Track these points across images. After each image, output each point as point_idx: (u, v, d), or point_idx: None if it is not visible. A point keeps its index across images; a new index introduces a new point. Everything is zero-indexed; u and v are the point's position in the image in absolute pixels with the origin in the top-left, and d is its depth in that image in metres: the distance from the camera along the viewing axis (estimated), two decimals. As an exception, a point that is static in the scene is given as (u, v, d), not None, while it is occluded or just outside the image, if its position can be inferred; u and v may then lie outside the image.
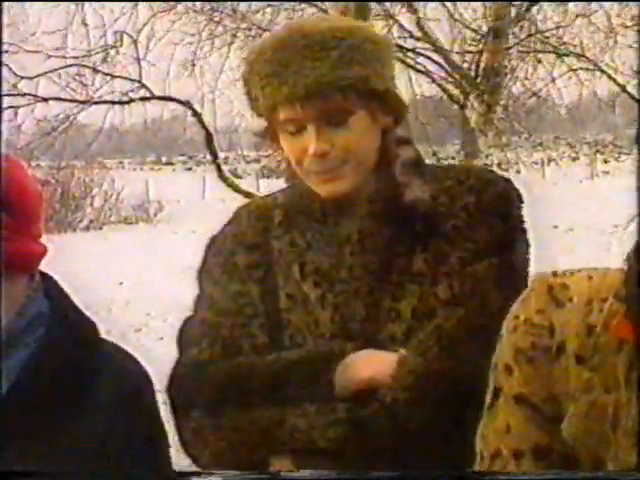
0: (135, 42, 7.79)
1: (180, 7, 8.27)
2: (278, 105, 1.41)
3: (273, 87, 1.40)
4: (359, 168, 1.43)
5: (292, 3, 8.13)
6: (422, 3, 8.02)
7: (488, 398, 1.13)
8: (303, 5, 8.12)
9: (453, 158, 9.87)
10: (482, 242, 1.41)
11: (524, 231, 1.47)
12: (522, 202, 1.47)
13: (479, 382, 1.18)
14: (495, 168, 9.25)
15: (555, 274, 1.12)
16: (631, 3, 7.86)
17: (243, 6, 8.41)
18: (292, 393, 1.38)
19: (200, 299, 1.52)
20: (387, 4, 7.91)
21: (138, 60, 7.60)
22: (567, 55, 8.53)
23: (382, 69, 1.44)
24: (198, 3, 8.26)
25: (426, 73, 8.30)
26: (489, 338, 1.23)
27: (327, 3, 7.00)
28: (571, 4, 8.33)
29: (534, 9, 8.24)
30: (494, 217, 1.43)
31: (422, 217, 1.43)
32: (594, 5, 8.38)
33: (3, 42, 6.67)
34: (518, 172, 10.91)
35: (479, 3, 8.12)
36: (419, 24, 7.75)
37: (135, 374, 1.30)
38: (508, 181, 1.49)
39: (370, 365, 1.38)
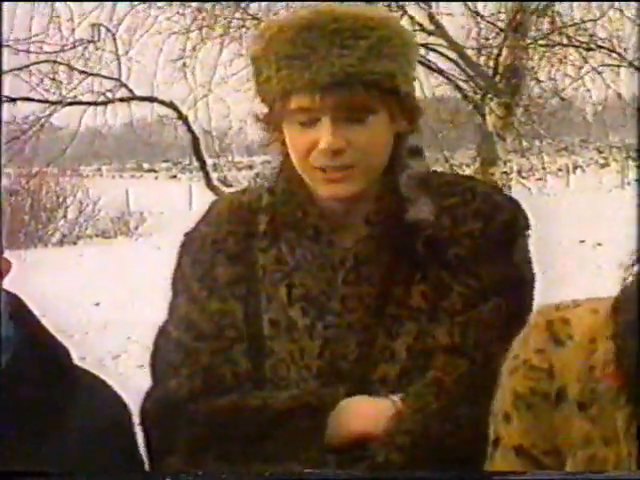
0: (114, 36, 7.80)
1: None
2: (294, 91, 1.40)
3: (293, 70, 1.40)
4: (368, 173, 1.44)
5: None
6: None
7: (489, 449, 1.14)
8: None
9: (468, 165, 9.88)
10: (487, 278, 1.41)
11: (530, 262, 1.48)
12: (529, 228, 1.48)
13: (480, 447, 1.18)
14: (515, 175, 9.26)
15: (558, 307, 1.12)
16: (632, 3, 7.89)
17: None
18: (279, 448, 1.37)
19: (176, 313, 1.51)
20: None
21: (117, 56, 7.62)
22: (594, 50, 8.55)
23: (407, 67, 1.46)
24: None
25: (438, 71, 8.31)
26: (493, 397, 1.23)
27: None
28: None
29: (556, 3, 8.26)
30: (500, 249, 1.43)
31: (424, 240, 1.43)
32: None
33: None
34: (540, 179, 10.92)
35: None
36: (431, 16, 7.77)
37: (112, 405, 1.30)
38: (515, 205, 1.49)
39: (363, 417, 1.38)
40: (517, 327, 1.31)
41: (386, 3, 7.59)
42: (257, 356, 1.45)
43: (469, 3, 8.22)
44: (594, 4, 8.39)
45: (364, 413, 1.38)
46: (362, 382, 1.40)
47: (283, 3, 8.06)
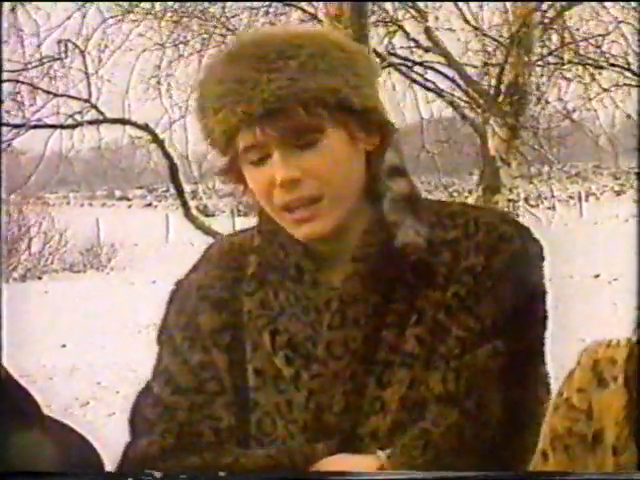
0: (83, 53, 7.83)
1: (138, 11, 8.33)
2: (235, 131, 1.41)
3: (227, 110, 1.40)
4: (339, 203, 1.42)
5: (274, 6, 8.22)
6: (431, 6, 8.11)
7: None
8: (287, 9, 8.22)
9: (470, 192, 9.92)
10: (488, 319, 1.39)
11: (542, 297, 1.45)
12: (543, 259, 1.46)
13: None
14: (522, 204, 9.30)
15: (608, 345, 1.14)
16: (633, 3, 7.97)
17: (215, 9, 8.49)
18: None
19: (158, 367, 1.53)
20: (389, 7, 8.00)
21: (87, 75, 7.63)
22: (605, 68, 8.61)
23: (357, 80, 1.43)
24: (159, 5, 8.33)
25: (436, 91, 8.37)
26: (485, 449, 1.24)
27: (318, 5, 7.08)
28: (610, 9, 8.42)
29: (566, 14, 8.34)
30: (506, 285, 1.41)
31: (414, 267, 1.42)
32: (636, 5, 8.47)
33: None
34: (550, 209, 10.96)
35: (500, 7, 8.22)
36: (428, 32, 7.83)
37: (81, 453, 1.31)
38: (526, 234, 1.47)
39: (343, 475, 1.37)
40: (520, 371, 1.32)
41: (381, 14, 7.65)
42: (242, 410, 1.46)
43: (469, 17, 8.28)
44: (605, 18, 8.46)
45: (346, 469, 1.37)
46: (350, 437, 1.40)
47: (266, 19, 8.12)
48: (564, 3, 8.23)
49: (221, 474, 1.41)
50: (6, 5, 8.29)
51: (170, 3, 8.33)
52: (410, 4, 7.98)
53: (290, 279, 1.46)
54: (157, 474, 1.37)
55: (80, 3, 8.10)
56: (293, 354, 1.43)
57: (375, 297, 1.42)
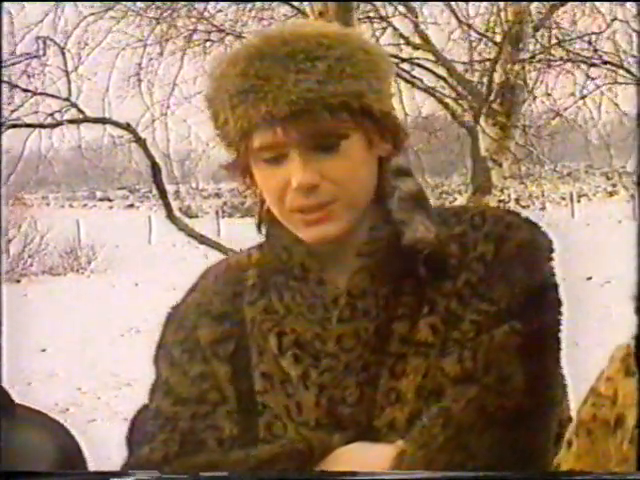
0: (63, 51, 7.81)
1: (118, 8, 8.32)
2: (253, 128, 1.40)
3: (248, 105, 1.40)
4: (352, 206, 1.44)
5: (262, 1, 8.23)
6: (422, 5, 8.13)
7: None
8: (274, 4, 8.22)
9: (459, 192, 9.94)
10: (502, 302, 1.41)
11: (555, 287, 1.47)
12: (553, 251, 1.48)
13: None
14: (513, 205, 9.33)
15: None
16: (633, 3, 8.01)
17: (200, 5, 8.49)
18: None
19: (156, 386, 1.53)
20: (378, 3, 8.01)
21: (67, 73, 7.62)
22: (598, 66, 8.65)
23: (378, 84, 1.45)
24: (140, 3, 8.32)
25: (425, 89, 8.38)
26: (508, 422, 1.24)
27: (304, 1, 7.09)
28: (604, 6, 8.46)
29: (559, 11, 8.37)
30: (517, 271, 1.43)
31: (426, 261, 1.44)
32: (630, 6, 8.52)
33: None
34: (542, 209, 11.01)
35: (492, 4, 8.24)
36: (417, 29, 7.85)
37: (59, 439, 1.31)
38: (535, 226, 1.49)
39: (359, 464, 1.37)
40: (539, 350, 1.34)
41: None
42: (249, 416, 1.46)
43: (460, 15, 8.31)
44: (598, 15, 8.49)
45: (363, 459, 1.38)
46: (367, 429, 1.40)
47: (252, 14, 8.12)
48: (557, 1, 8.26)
49: (223, 474, 1.41)
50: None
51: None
52: (399, 1, 7.99)
53: (295, 279, 1.47)
54: (158, 474, 1.38)
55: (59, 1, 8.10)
56: (301, 352, 1.44)
57: (384, 290, 1.43)
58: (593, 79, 8.78)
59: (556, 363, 1.45)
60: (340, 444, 1.40)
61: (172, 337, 1.54)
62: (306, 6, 6.50)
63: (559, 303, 1.47)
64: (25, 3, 8.10)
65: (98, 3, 8.28)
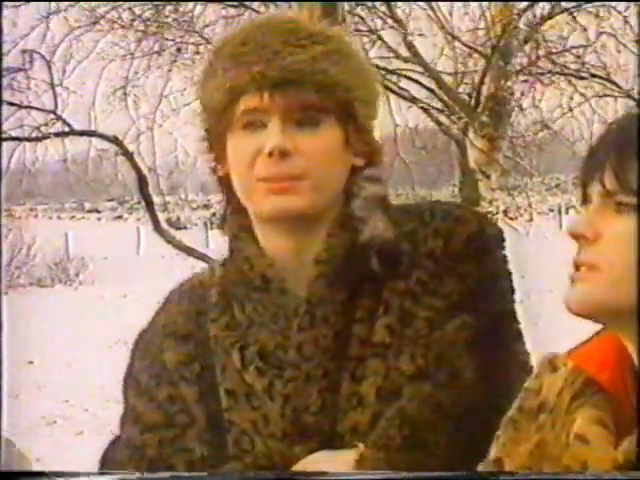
0: (49, 64, 7.79)
1: (104, 21, 8.32)
2: (243, 90, 1.43)
3: (241, 67, 1.43)
4: (318, 189, 1.45)
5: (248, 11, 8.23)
6: (410, 18, 8.14)
7: None
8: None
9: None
10: (453, 296, 1.43)
11: (507, 276, 1.50)
12: (503, 240, 1.50)
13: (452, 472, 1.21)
14: (501, 216, 9.34)
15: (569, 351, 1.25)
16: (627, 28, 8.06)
17: (188, 17, 8.49)
18: None
19: (124, 417, 1.54)
20: (364, 13, 8.03)
21: (53, 87, 7.60)
22: (586, 78, 8.68)
23: (369, 95, 1.50)
24: (126, 14, 8.31)
25: (413, 100, 8.40)
26: (462, 417, 1.27)
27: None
28: (592, 23, 8.49)
29: (547, 24, 8.39)
30: (466, 263, 1.45)
31: (380, 257, 1.45)
32: (618, 22, 8.56)
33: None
34: (530, 221, 11.02)
35: (480, 17, 8.25)
36: (406, 41, 7.87)
37: None
38: (483, 218, 1.54)
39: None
40: (491, 341, 1.37)
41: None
42: (215, 436, 1.47)
43: (448, 27, 8.32)
44: (587, 29, 8.52)
45: (325, 467, 1.38)
46: (330, 435, 1.42)
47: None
48: (544, 13, 8.29)
49: (202, 474, 1.42)
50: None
51: (138, 11, 8.32)
52: (388, 13, 8.01)
53: (256, 290, 1.48)
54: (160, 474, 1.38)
55: (45, 12, 8.09)
56: (264, 365, 1.45)
57: (342, 295, 1.45)
58: (582, 94, 8.81)
59: (512, 351, 1.46)
60: (304, 454, 1.41)
61: (139, 364, 1.54)
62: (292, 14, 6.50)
63: (512, 291, 1.49)
64: (13, 16, 8.09)
65: (84, 17, 8.27)
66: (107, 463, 1.52)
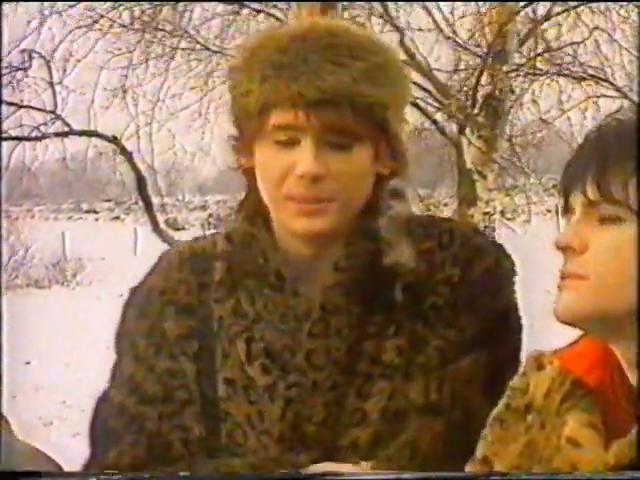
0: (48, 64, 7.79)
1: (104, 21, 8.33)
2: (278, 104, 1.40)
3: (279, 80, 1.40)
4: (345, 209, 1.44)
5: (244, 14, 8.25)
6: (406, 19, 8.15)
7: None
8: (259, 17, 8.24)
9: (445, 205, 9.96)
10: (467, 331, 1.43)
11: (516, 310, 1.50)
12: (515, 274, 1.50)
13: None
14: (498, 217, 9.34)
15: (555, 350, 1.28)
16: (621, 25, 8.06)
17: (184, 21, 8.51)
18: None
19: (119, 374, 1.52)
20: (364, 20, 8.04)
21: (52, 86, 7.59)
22: (584, 79, 8.68)
23: (400, 104, 1.47)
24: (125, 14, 8.32)
25: (412, 102, 8.39)
26: (470, 454, 1.25)
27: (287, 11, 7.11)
28: (588, 19, 8.50)
29: (545, 24, 8.39)
30: (482, 297, 1.45)
31: (402, 287, 1.44)
32: (616, 19, 8.57)
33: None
34: (527, 222, 11.02)
35: (476, 18, 8.26)
36: (402, 42, 7.87)
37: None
38: (499, 249, 1.51)
39: None
40: (501, 380, 1.34)
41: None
42: (211, 420, 1.46)
43: (444, 27, 8.33)
44: (582, 27, 8.53)
45: None
46: (330, 448, 1.41)
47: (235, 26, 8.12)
48: (542, 13, 8.29)
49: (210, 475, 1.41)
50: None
51: (137, 13, 8.33)
52: (387, 18, 8.01)
53: (269, 287, 1.46)
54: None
55: (46, 13, 8.10)
56: (270, 363, 1.44)
57: (357, 308, 1.44)
58: (587, 90, 8.80)
59: None
60: (306, 464, 1.39)
61: (135, 325, 1.52)
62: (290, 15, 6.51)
63: (520, 325, 1.50)
64: (10, 15, 8.09)
65: (84, 16, 8.27)
66: (100, 428, 1.49)
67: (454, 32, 8.38)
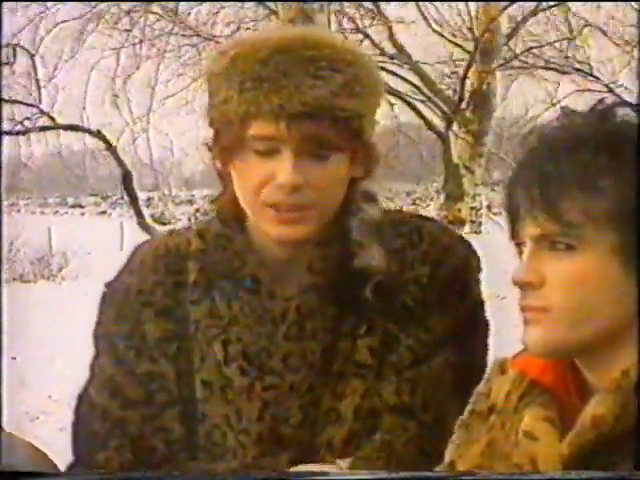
0: (33, 58, 7.77)
1: (93, 14, 8.32)
2: (258, 115, 1.42)
3: (260, 93, 1.42)
4: (322, 216, 1.46)
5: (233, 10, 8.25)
6: (395, 14, 8.16)
7: None
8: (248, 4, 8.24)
9: (432, 199, 9.97)
10: (436, 329, 1.46)
11: (482, 306, 1.52)
12: (481, 271, 1.53)
13: None
14: (485, 211, 9.36)
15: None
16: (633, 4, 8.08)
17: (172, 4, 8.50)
18: None
19: (99, 375, 1.53)
20: (356, 15, 8.04)
21: (37, 80, 7.58)
22: (570, 73, 8.71)
23: (374, 109, 1.50)
24: (113, 9, 8.31)
25: (398, 96, 8.41)
26: (444, 454, 1.27)
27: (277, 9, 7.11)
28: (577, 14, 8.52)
29: (532, 19, 8.41)
30: (450, 296, 1.48)
31: (374, 287, 1.46)
32: (603, 14, 8.59)
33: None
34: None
35: (464, 11, 8.27)
36: (392, 38, 7.87)
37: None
38: (467, 247, 1.54)
39: None
40: (471, 379, 1.36)
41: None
42: (190, 420, 1.48)
43: (432, 22, 8.35)
44: (572, 22, 8.55)
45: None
46: (307, 447, 1.44)
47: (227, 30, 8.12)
48: (531, 6, 8.30)
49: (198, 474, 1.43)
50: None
51: (125, 7, 8.32)
52: (375, 12, 8.01)
53: (244, 289, 1.47)
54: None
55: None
56: (248, 365, 1.46)
57: (332, 309, 1.46)
58: (562, 85, 8.83)
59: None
60: (286, 465, 1.41)
61: (114, 326, 1.53)
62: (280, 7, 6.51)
63: (487, 322, 1.52)
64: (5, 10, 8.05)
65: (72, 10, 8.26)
66: (84, 430, 1.51)
67: (441, 26, 8.39)
